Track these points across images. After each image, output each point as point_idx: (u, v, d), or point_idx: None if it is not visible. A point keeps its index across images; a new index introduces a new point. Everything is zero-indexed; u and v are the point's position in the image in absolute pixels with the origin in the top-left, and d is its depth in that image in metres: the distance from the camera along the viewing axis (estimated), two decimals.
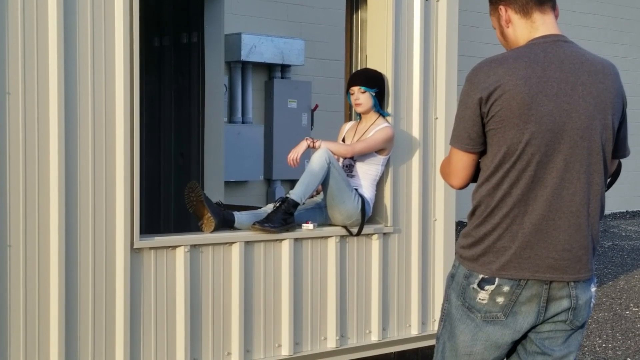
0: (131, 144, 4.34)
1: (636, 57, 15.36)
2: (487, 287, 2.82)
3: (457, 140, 2.86)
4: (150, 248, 4.45)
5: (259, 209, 5.16)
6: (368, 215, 5.22)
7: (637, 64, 15.30)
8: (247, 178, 10.33)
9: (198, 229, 4.85)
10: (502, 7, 2.92)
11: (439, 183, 5.55)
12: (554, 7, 2.92)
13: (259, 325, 4.87)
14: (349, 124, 5.52)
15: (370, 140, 5.18)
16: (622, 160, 3.10)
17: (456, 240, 2.99)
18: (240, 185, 10.42)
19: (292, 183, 9.81)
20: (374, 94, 5.26)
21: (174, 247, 4.54)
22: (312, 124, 10.64)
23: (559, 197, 2.79)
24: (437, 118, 5.57)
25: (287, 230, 4.92)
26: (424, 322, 5.56)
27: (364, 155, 5.21)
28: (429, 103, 5.55)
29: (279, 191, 10.48)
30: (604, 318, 7.52)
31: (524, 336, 2.90)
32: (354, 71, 5.65)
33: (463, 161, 2.89)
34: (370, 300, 5.32)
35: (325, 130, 9.78)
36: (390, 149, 5.28)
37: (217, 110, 7.27)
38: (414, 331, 5.51)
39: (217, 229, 4.78)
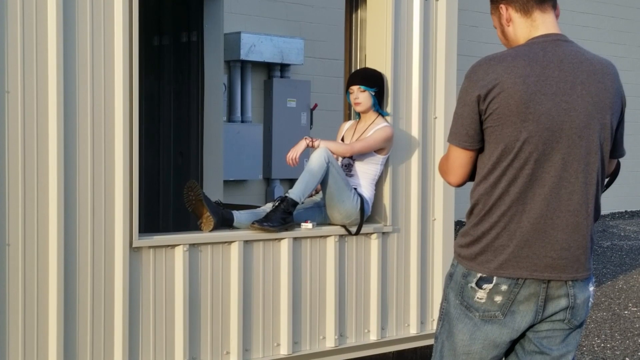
0: (130, 143, 4.34)
1: (636, 57, 15.36)
2: (485, 286, 2.82)
3: (454, 137, 2.87)
4: (149, 247, 4.46)
5: (258, 208, 5.16)
6: (367, 214, 5.22)
7: (636, 64, 15.30)
8: (246, 177, 10.33)
9: (197, 228, 4.85)
10: (502, 6, 2.92)
11: (438, 182, 5.56)
12: (554, 7, 2.92)
13: (258, 325, 4.87)
14: (348, 123, 5.52)
15: (370, 140, 5.18)
16: (620, 160, 3.11)
17: (455, 239, 3.00)
18: (239, 184, 10.42)
19: (291, 182, 9.81)
20: (373, 94, 5.26)
21: (173, 246, 4.54)
22: (311, 123, 10.64)
23: (557, 196, 2.79)
24: (436, 117, 5.58)
25: (286, 230, 4.92)
26: (422, 322, 5.56)
27: (363, 155, 5.21)
28: (428, 102, 5.55)
29: (278, 190, 10.48)
30: (602, 318, 7.52)
31: (522, 335, 2.90)
32: (353, 70, 5.65)
33: (460, 158, 2.89)
34: (369, 300, 5.32)
35: (324, 130, 9.78)
36: (389, 149, 5.28)
37: (216, 109, 7.27)
38: (413, 330, 5.51)
39: (216, 228, 4.78)
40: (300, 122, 10.61)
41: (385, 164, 5.32)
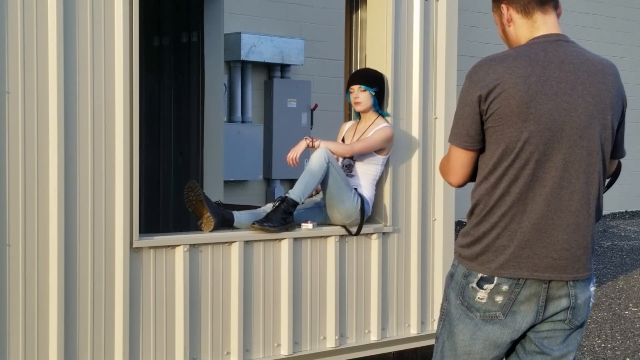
0: (130, 143, 4.34)
1: (635, 57, 15.36)
2: (486, 286, 2.82)
3: (455, 137, 2.87)
4: (150, 247, 4.45)
5: (258, 209, 5.16)
6: (367, 214, 5.22)
7: (636, 64, 15.30)
8: (247, 177, 10.33)
9: (197, 228, 4.85)
10: (504, 6, 2.92)
11: (439, 183, 5.56)
12: (556, 7, 2.91)
13: (258, 325, 4.86)
14: (349, 124, 5.52)
15: (370, 140, 5.18)
16: (621, 160, 3.10)
17: (455, 239, 2.99)
18: (240, 185, 10.42)
19: (291, 182, 9.81)
20: (373, 94, 5.26)
21: (173, 246, 4.54)
22: (311, 124, 10.64)
23: (558, 196, 2.79)
24: (436, 118, 5.58)
25: (287, 230, 4.92)
26: (423, 322, 5.56)
27: (363, 155, 5.21)
28: (429, 103, 5.55)
29: (278, 191, 10.48)
30: (603, 318, 7.52)
31: (523, 335, 2.90)
32: (353, 71, 5.65)
33: (461, 159, 2.89)
34: (369, 300, 5.32)
35: (324, 130, 9.77)
36: (389, 149, 5.28)
37: (216, 109, 7.27)
38: (413, 331, 5.51)
39: (217, 228, 4.78)
40: (301, 123, 10.61)
41: (386, 165, 5.32)
